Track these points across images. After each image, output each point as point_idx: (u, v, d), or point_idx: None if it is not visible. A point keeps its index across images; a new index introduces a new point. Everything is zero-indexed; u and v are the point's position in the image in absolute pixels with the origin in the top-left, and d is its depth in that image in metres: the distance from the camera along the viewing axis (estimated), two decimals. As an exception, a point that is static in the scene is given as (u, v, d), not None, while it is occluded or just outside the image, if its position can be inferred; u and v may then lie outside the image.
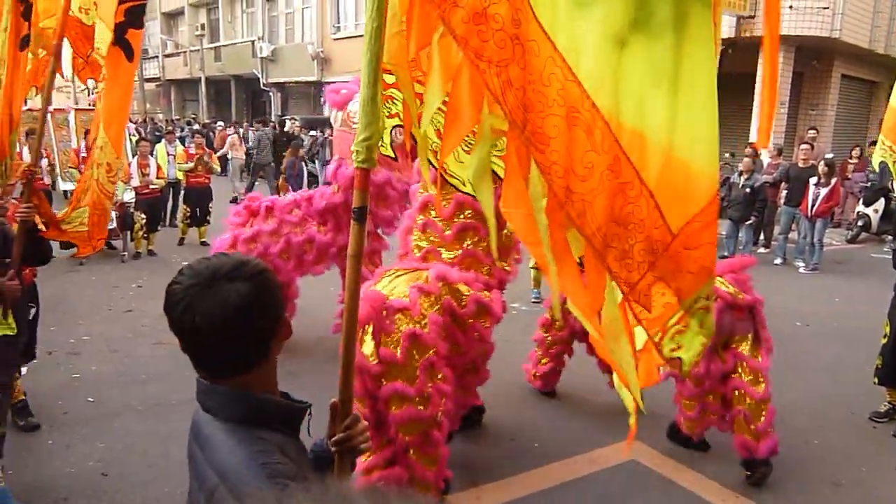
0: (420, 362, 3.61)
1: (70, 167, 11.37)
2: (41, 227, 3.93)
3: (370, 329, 3.58)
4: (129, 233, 10.20)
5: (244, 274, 1.33)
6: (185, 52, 33.36)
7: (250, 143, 18.24)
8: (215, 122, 25.79)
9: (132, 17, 3.84)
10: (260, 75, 27.35)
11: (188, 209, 11.29)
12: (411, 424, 3.61)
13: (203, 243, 11.01)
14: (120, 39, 3.84)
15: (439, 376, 3.69)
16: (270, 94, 28.06)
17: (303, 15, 25.78)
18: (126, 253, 10.22)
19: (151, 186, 10.34)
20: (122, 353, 6.26)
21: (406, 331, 3.58)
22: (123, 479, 4.15)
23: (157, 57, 36.49)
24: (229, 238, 6.14)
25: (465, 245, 4.11)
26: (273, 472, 1.24)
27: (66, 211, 4.07)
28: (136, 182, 10.14)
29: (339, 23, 23.58)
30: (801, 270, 10.59)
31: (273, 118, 26.37)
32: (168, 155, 11.21)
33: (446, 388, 3.71)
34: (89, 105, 14.99)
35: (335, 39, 23.25)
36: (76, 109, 14.06)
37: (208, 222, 11.27)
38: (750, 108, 14.14)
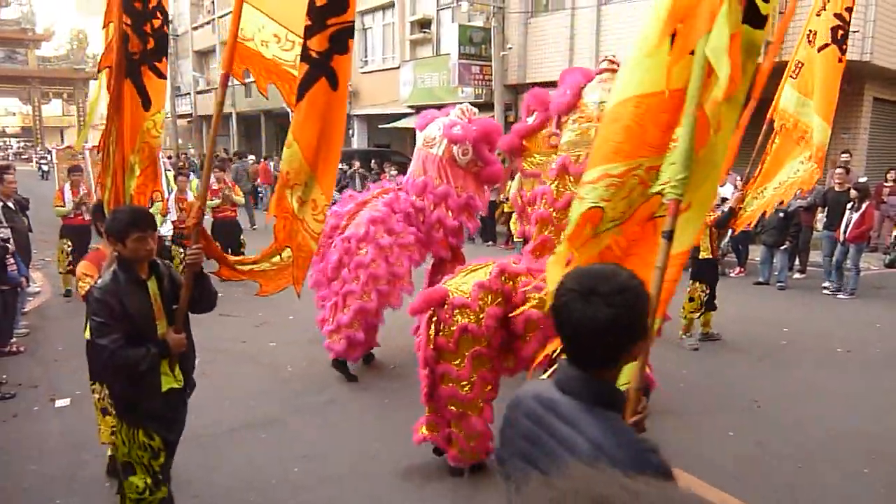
0: (469, 353, 4.24)
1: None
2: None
3: (433, 319, 4.31)
4: None
5: (616, 301, 1.55)
6: (216, 88, 34.09)
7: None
8: (246, 156, 26.21)
9: (337, 43, 3.47)
10: (289, 109, 27.86)
11: (218, 244, 11.28)
12: (455, 402, 4.35)
13: None
14: (324, 68, 3.49)
15: (487, 366, 4.31)
16: (300, 127, 28.58)
17: (331, 50, 26.32)
18: None
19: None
20: (162, 383, 6.32)
21: (460, 324, 4.22)
22: (168, 509, 4.17)
23: (188, 94, 37.34)
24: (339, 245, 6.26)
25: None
26: (648, 447, 1.55)
27: (257, 257, 3.86)
28: (174, 216, 10.28)
29: (366, 57, 24.00)
30: (830, 293, 10.36)
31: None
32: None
33: (490, 377, 4.35)
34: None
35: (363, 73, 23.63)
36: None
37: (242, 254, 11.38)
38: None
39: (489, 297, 4.28)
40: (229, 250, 11.18)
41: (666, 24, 2.38)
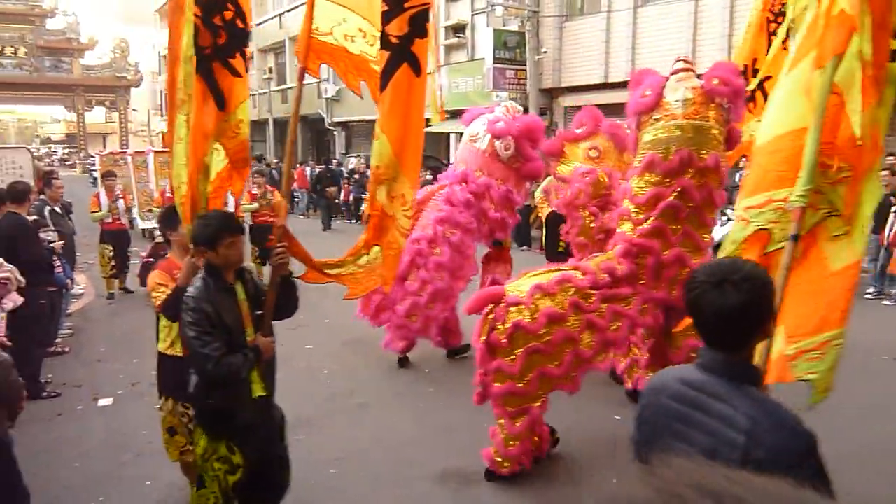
0: (523, 348, 4.28)
1: (154, 207, 11.77)
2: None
3: (489, 317, 4.39)
4: None
5: (745, 288, 1.73)
6: (253, 95, 34.62)
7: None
8: (280, 162, 26.69)
9: (416, 26, 3.33)
10: (325, 115, 28.13)
11: (256, 248, 11.04)
12: (509, 398, 4.38)
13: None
14: (405, 53, 3.35)
15: (543, 364, 4.33)
16: (335, 133, 28.78)
17: (366, 56, 26.53)
18: None
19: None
20: (201, 385, 6.42)
21: (513, 321, 4.28)
22: (207, 509, 4.23)
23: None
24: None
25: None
26: (794, 416, 1.71)
27: (343, 258, 3.66)
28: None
29: (401, 62, 24.17)
30: (873, 298, 10.11)
31: (337, 156, 27.02)
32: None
33: (552, 373, 4.35)
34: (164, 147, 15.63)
35: (398, 78, 23.83)
36: (155, 152, 14.72)
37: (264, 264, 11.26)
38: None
39: (546, 299, 4.35)
40: (266, 255, 11.26)
41: (814, 60, 2.69)
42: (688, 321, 4.41)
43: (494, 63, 17.13)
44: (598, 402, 5.69)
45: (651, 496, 0.70)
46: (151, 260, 9.55)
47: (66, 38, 37.50)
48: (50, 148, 53.57)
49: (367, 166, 19.84)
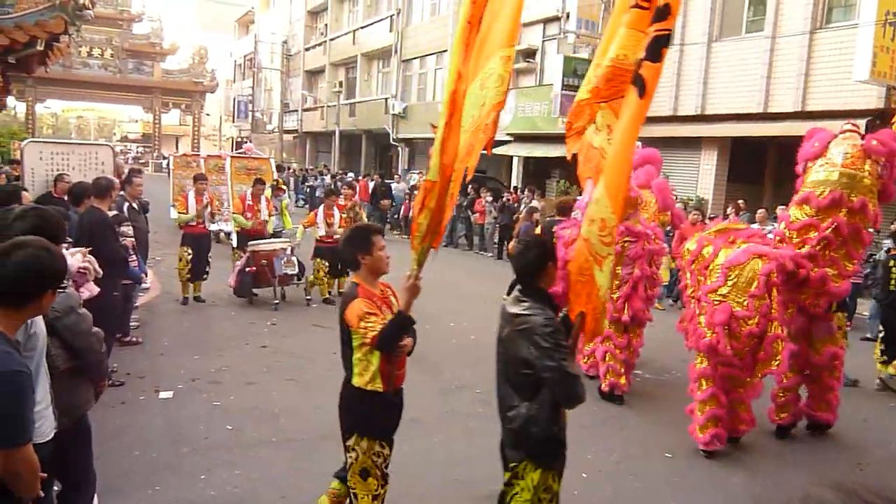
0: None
1: (233, 213, 11.78)
2: None
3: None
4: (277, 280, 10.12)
5: None
6: (322, 107, 35.41)
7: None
8: (346, 173, 27.16)
9: (652, 50, 3.30)
10: (390, 130, 28.58)
11: (325, 262, 10.49)
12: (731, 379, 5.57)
13: (328, 298, 10.40)
14: (635, 77, 3.32)
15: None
16: (399, 148, 29.18)
17: (435, 75, 26.82)
18: (278, 301, 9.97)
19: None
20: (257, 385, 6.57)
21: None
22: (258, 508, 4.32)
23: (297, 111, 38.91)
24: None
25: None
26: None
27: None
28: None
29: (469, 83, 24.37)
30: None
31: (400, 171, 27.36)
32: (275, 209, 11.36)
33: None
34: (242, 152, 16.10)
35: (464, 99, 24.02)
36: (232, 157, 15.18)
37: (348, 274, 10.86)
38: None
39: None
40: (338, 265, 10.36)
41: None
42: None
43: (563, 89, 17.15)
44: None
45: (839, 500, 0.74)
46: (250, 269, 9.70)
47: (149, 43, 39.15)
48: (126, 146, 55.72)
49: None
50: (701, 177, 16.28)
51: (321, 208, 10.71)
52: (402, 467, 4.99)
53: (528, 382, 3.05)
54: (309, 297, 10.39)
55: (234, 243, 11.91)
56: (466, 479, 4.88)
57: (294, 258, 10.01)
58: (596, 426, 5.98)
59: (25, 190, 6.22)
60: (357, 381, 3.39)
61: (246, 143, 21.49)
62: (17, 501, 2.34)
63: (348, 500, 3.69)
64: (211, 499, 4.41)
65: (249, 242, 10.20)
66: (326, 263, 10.37)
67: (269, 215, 10.97)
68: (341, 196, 11.47)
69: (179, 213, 9.97)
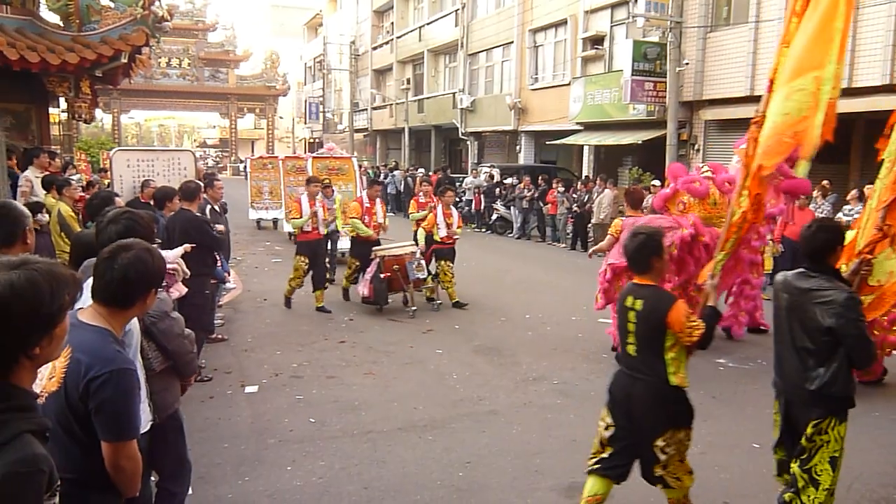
0: None
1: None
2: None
3: None
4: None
5: None
6: (391, 104, 35.79)
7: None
8: (416, 169, 27.36)
9: None
10: (459, 125, 28.61)
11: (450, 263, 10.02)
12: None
13: (458, 302, 9.97)
14: None
15: None
16: (468, 142, 29.20)
17: (502, 68, 26.67)
18: (415, 308, 9.54)
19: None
20: (337, 379, 6.73)
21: None
22: (342, 498, 4.43)
23: (366, 109, 39.47)
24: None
25: None
26: None
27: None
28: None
29: (536, 74, 24.10)
30: None
31: (470, 165, 27.37)
32: (328, 209, 10.06)
33: None
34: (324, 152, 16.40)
35: (532, 90, 23.77)
36: (314, 157, 15.61)
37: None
38: None
39: None
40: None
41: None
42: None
43: (633, 75, 16.77)
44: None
45: None
46: (385, 275, 9.19)
47: (224, 51, 40.55)
48: (205, 151, 57.81)
49: (503, 175, 20.15)
50: (782, 158, 15.65)
51: (439, 208, 9.99)
52: (480, 458, 5.05)
53: (825, 348, 3.43)
54: (439, 301, 9.99)
55: (346, 249, 11.26)
56: (545, 469, 4.87)
57: (423, 262, 9.61)
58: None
59: (118, 195, 6.54)
60: (674, 380, 3.50)
61: (327, 142, 21.74)
62: (118, 497, 2.42)
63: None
64: (297, 489, 4.55)
65: (373, 248, 9.61)
66: (451, 265, 9.89)
67: (326, 218, 9.71)
68: (420, 193, 11.20)
69: (293, 218, 9.48)
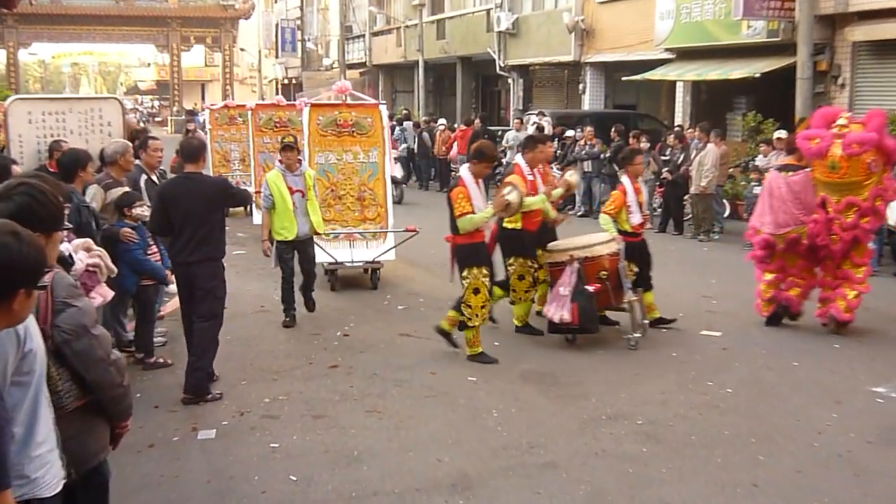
0: None
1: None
2: None
3: None
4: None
5: None
6: (399, 27, 35.75)
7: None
8: (434, 120, 27.05)
9: None
10: (496, 56, 28.45)
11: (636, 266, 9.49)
12: None
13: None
14: None
15: None
16: (509, 80, 29.01)
17: (556, -29, 26.56)
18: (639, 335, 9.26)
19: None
20: (328, 420, 6.74)
21: None
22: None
23: (362, 36, 39.42)
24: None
25: None
26: None
27: None
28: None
29: (608, -20, 23.94)
30: None
31: (511, 111, 27.23)
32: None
33: None
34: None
35: (601, 3, 23.56)
36: (312, 105, 15.82)
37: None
38: None
39: None
40: None
41: None
42: None
43: (748, -22, 16.59)
44: None
45: None
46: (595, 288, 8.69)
47: (161, -43, 40.76)
48: (136, 99, 58.43)
49: (556, 128, 20.03)
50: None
51: (629, 185, 9.23)
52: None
53: None
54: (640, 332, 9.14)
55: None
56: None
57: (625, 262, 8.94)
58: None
59: (15, 163, 6.59)
60: None
61: (340, 82, 21.23)
62: None
63: None
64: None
65: (550, 244, 9.08)
66: (636, 269, 9.28)
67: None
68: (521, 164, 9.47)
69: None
